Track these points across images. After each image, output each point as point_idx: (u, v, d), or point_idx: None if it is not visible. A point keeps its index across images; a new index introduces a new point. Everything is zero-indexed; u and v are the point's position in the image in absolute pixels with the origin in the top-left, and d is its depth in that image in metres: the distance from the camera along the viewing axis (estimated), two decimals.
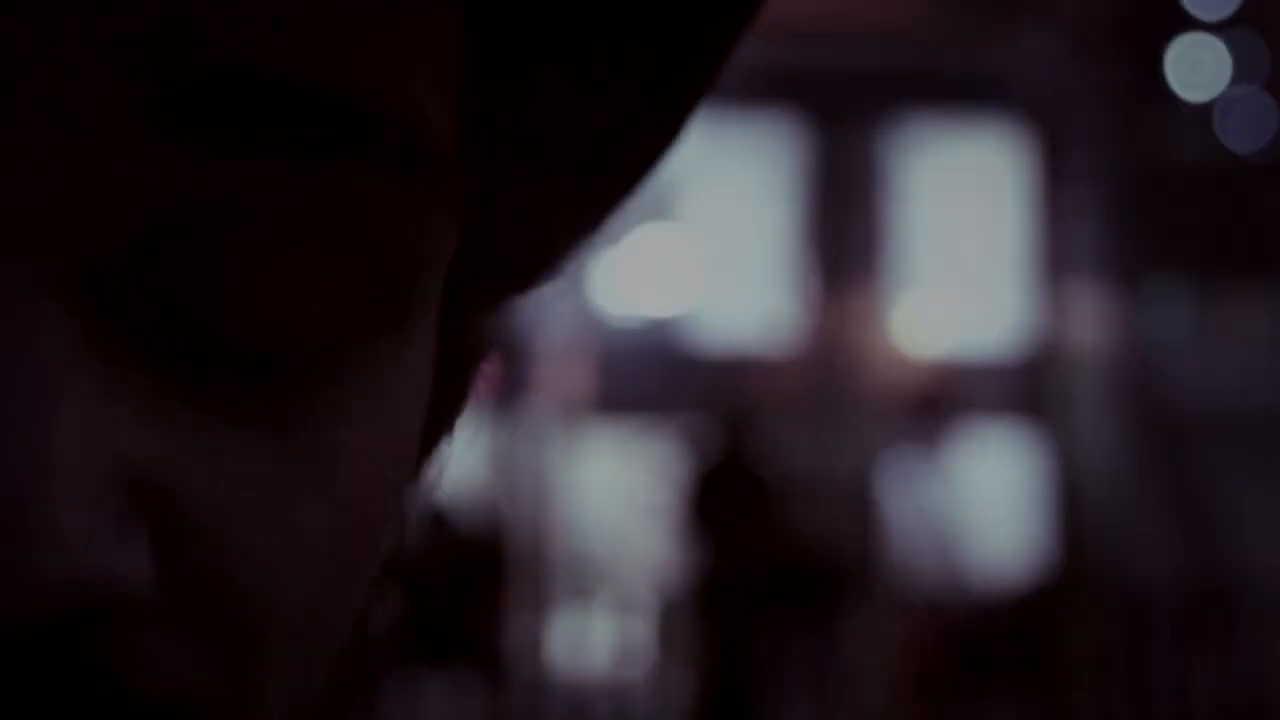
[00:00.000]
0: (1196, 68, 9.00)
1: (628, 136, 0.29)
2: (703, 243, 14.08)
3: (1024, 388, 9.76)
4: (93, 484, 0.20)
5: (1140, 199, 10.01)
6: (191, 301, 0.21)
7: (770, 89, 9.48)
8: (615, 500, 15.26)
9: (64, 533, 0.19)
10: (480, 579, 6.68)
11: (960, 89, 10.04)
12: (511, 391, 7.81)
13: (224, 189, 0.21)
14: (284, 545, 0.22)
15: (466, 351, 0.27)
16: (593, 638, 8.80)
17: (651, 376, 12.28)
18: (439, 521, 6.10)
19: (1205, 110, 9.40)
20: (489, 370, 0.27)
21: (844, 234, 12.75)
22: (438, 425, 0.27)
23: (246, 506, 0.21)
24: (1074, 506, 5.91)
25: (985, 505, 12.81)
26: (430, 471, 0.27)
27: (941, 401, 10.73)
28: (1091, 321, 10.17)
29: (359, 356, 0.23)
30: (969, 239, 13.10)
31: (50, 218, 0.20)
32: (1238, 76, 9.01)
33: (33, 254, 0.20)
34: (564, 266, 0.30)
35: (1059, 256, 9.02)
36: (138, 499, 0.20)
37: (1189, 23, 8.76)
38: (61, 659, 0.20)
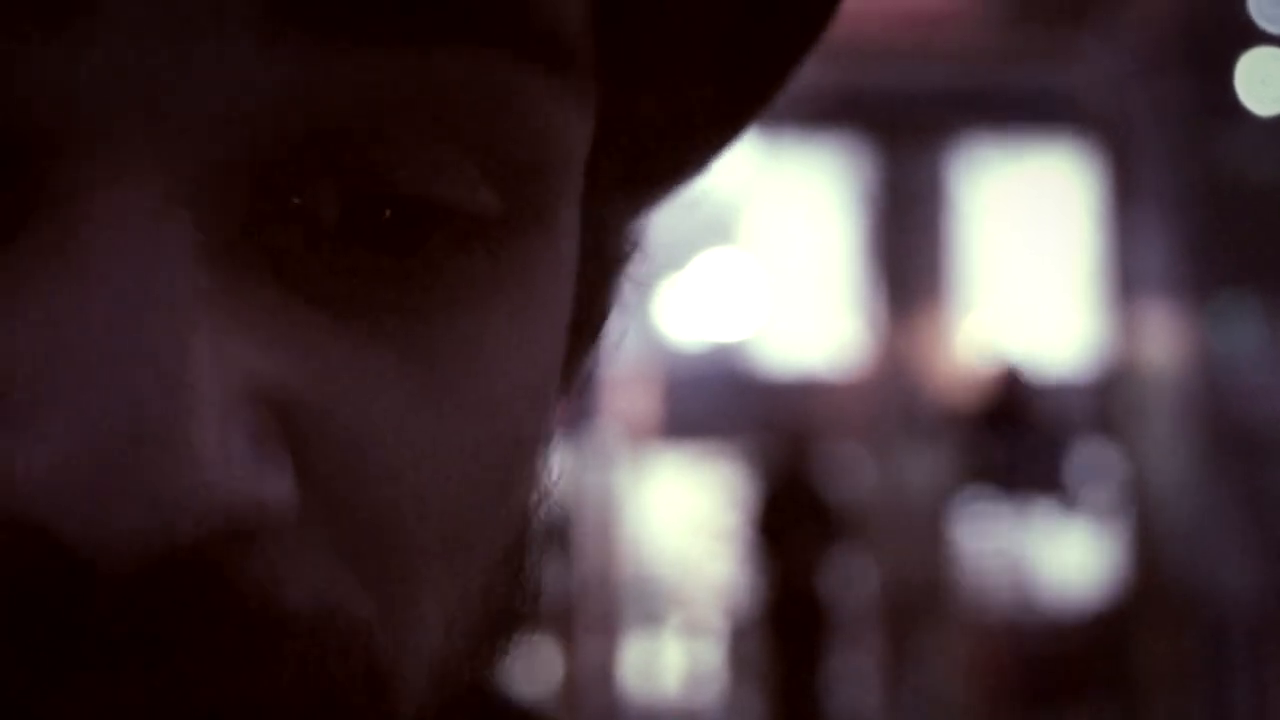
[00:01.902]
0: (1266, 81, 8.91)
1: (759, 25, 0.27)
2: (767, 266, 14.06)
3: (1095, 407, 9.67)
4: (229, 405, 0.19)
5: (1210, 215, 9.90)
6: (323, 199, 0.21)
7: (833, 110, 9.46)
8: (683, 524, 15.21)
9: (203, 457, 0.19)
10: (549, 604, 6.69)
11: (1026, 107, 9.99)
12: (578, 417, 7.82)
13: (351, 80, 0.20)
14: (427, 459, 0.21)
15: (609, 257, 0.26)
16: (663, 662, 8.78)
17: (717, 401, 12.26)
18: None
19: (1276, 124, 9.30)
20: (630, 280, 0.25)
21: (910, 255, 12.69)
22: (582, 334, 0.26)
23: (387, 421, 0.21)
24: (1147, 525, 5.84)
25: (1057, 525, 12.68)
26: (579, 382, 0.26)
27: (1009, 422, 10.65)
28: (1162, 339, 10.07)
29: (497, 257, 0.22)
30: (1036, 258, 13.00)
31: (174, 128, 0.20)
32: None
33: (157, 168, 0.20)
34: (700, 168, 0.29)
35: (1128, 274, 8.94)
36: (275, 418, 0.20)
37: (1258, 36, 8.67)
38: (209, 579, 0.19)
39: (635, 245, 0.28)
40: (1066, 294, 11.42)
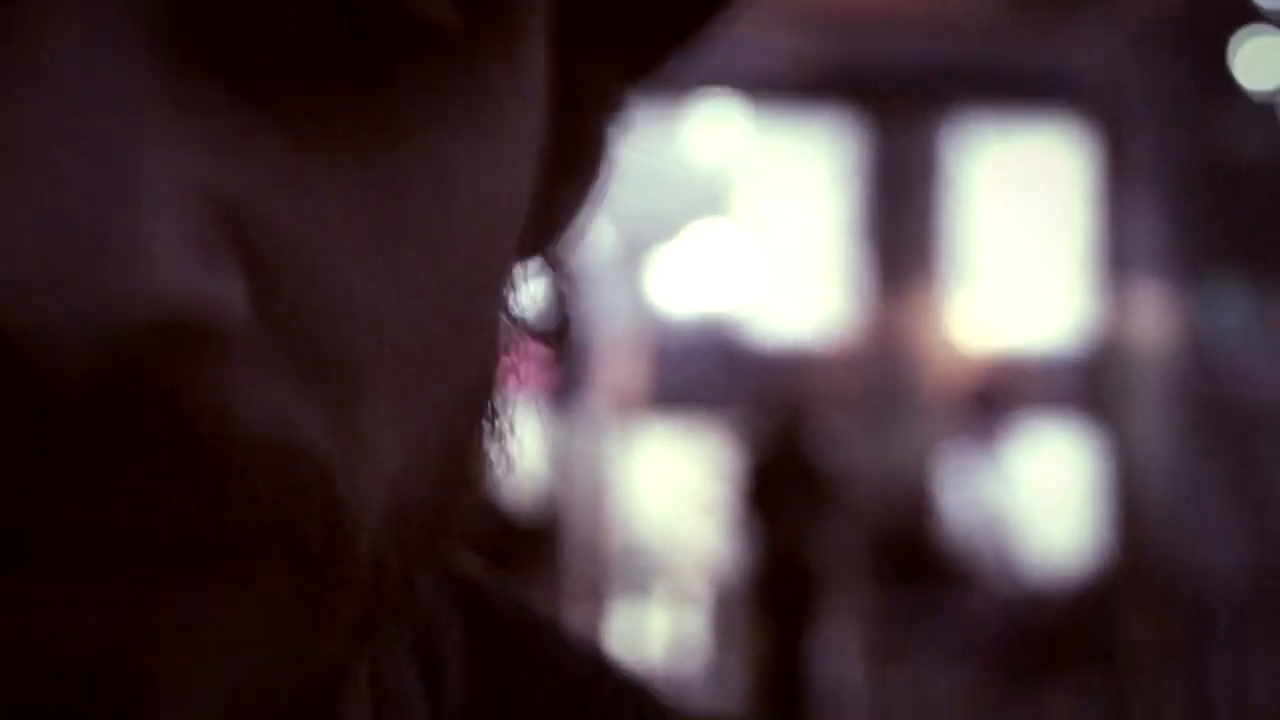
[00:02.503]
0: (1262, 60, 8.90)
1: None
2: (759, 238, 14.04)
3: (1083, 383, 9.69)
4: (179, 208, 0.19)
5: (1203, 194, 9.91)
6: (283, 6, 0.20)
7: (827, 83, 9.45)
8: (671, 495, 15.23)
9: (151, 254, 0.19)
10: (536, 572, 6.70)
11: (1022, 83, 9.98)
12: (568, 387, 7.82)
13: None
14: (383, 283, 0.21)
15: (587, 111, 0.26)
16: (649, 631, 8.82)
17: (707, 372, 12.27)
18: (495, 513, 6.12)
19: (1270, 103, 9.30)
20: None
21: (902, 229, 12.68)
22: (559, 185, 0.25)
23: (344, 239, 0.21)
24: (1133, 501, 5.86)
25: (1044, 500, 12.72)
26: (566, 236, 0.26)
27: (1000, 397, 10.67)
28: (1152, 317, 10.09)
29: (459, 79, 0.22)
30: (1028, 234, 12.99)
31: None
32: None
33: None
34: (683, 36, 0.28)
35: (1120, 252, 8.95)
36: (229, 228, 0.20)
37: (1254, 15, 8.66)
38: (161, 391, 0.19)
39: (619, 110, 0.27)
40: (1058, 271, 11.43)
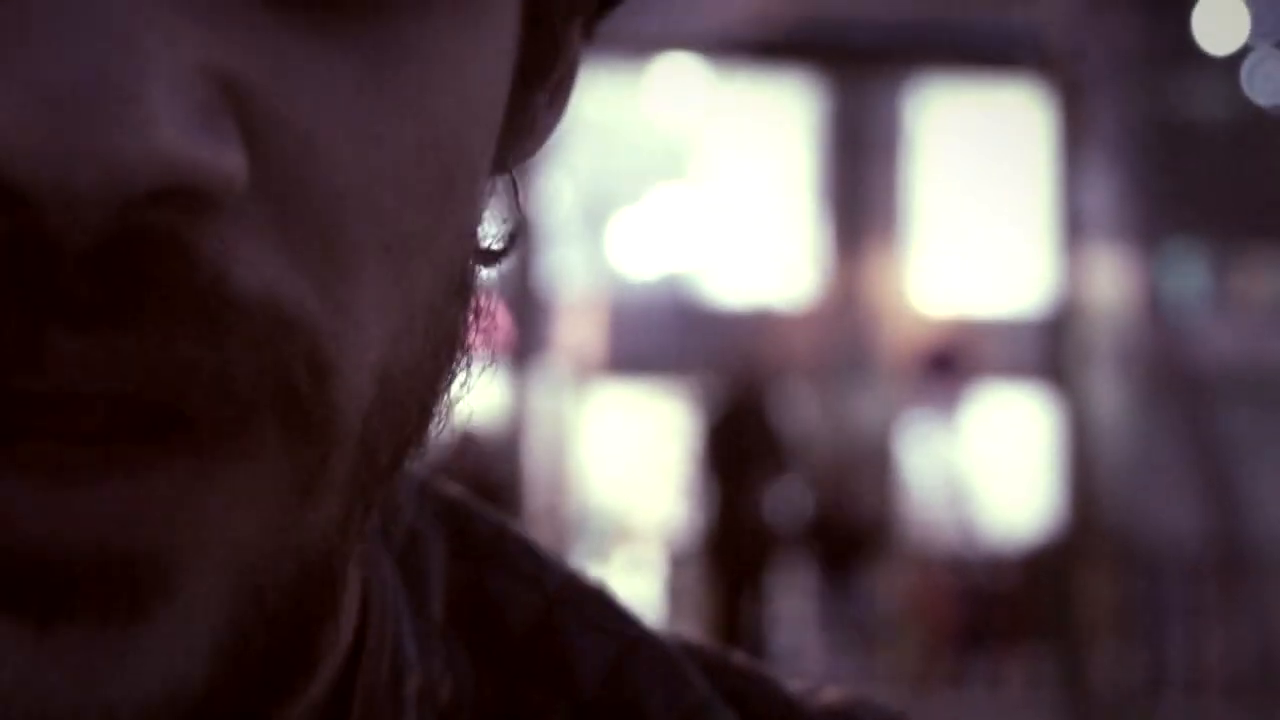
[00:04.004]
0: (1223, 21, 8.93)
1: None
2: (719, 200, 14.05)
3: (1041, 347, 9.74)
4: (182, 77, 0.20)
5: (1162, 158, 9.95)
6: None
7: (788, 45, 9.42)
8: (629, 456, 15.28)
9: (156, 118, 0.20)
10: None
11: (982, 46, 9.98)
12: (527, 348, 7.81)
13: None
14: (373, 159, 0.22)
15: (561, 10, 0.27)
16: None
17: (666, 333, 12.28)
18: (454, 473, 6.11)
19: (1231, 65, 9.34)
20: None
21: (861, 192, 12.70)
22: (535, 90, 0.26)
23: (336, 116, 0.22)
24: (1089, 465, 5.91)
25: (1001, 464, 12.81)
26: (529, 141, 0.26)
27: (958, 361, 10.72)
28: (1110, 281, 10.14)
29: None
30: (987, 197, 13.04)
31: None
32: (1261, 30, 8.94)
33: None
34: None
35: (1078, 216, 8.98)
36: (229, 101, 0.21)
37: None
38: (165, 250, 0.20)
39: (588, 22, 0.28)
40: (1016, 234, 11.47)
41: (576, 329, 12.24)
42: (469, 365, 0.25)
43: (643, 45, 11.43)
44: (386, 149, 0.22)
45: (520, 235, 0.26)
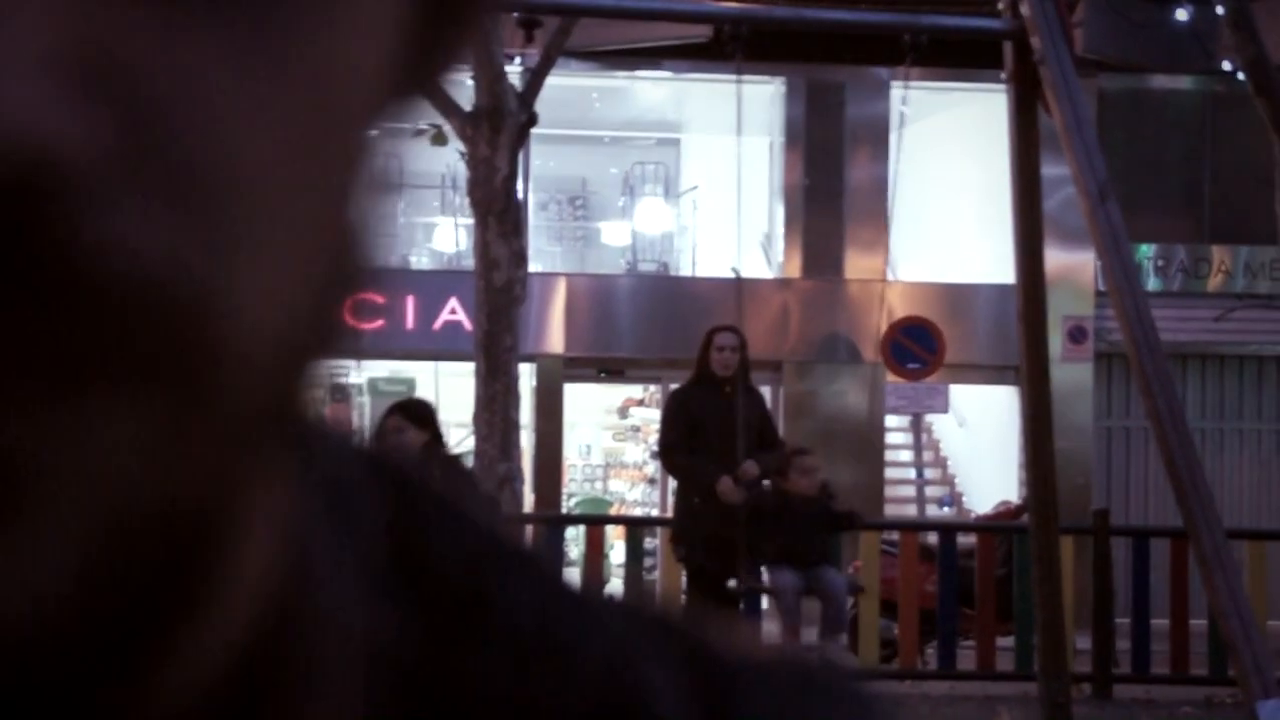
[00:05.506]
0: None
1: None
2: (696, 188, 14.03)
3: (1010, 329, 9.83)
4: (38, 48, 0.19)
5: (1126, 149, 9.97)
6: None
7: (763, 40, 9.41)
8: (601, 439, 15.25)
9: (13, 89, 0.19)
10: None
11: (952, 40, 10.04)
12: (496, 334, 7.80)
13: None
14: (253, 125, 0.21)
15: None
16: (570, 572, 8.84)
17: (642, 317, 12.28)
18: (428, 463, 6.10)
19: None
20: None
21: (839, 185, 12.72)
22: (433, 45, 0.26)
23: (213, 83, 0.21)
24: (1053, 444, 6.00)
25: (978, 438, 12.86)
26: (443, 71, 0.26)
27: (934, 337, 10.75)
28: (1070, 269, 10.16)
29: None
30: (961, 190, 13.06)
31: None
32: None
33: None
34: None
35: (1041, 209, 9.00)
36: (92, 69, 0.20)
37: None
38: (34, 228, 0.19)
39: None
40: (989, 225, 11.50)
41: (548, 314, 12.23)
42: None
43: (619, 45, 11.42)
44: (270, 118, 0.21)
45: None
